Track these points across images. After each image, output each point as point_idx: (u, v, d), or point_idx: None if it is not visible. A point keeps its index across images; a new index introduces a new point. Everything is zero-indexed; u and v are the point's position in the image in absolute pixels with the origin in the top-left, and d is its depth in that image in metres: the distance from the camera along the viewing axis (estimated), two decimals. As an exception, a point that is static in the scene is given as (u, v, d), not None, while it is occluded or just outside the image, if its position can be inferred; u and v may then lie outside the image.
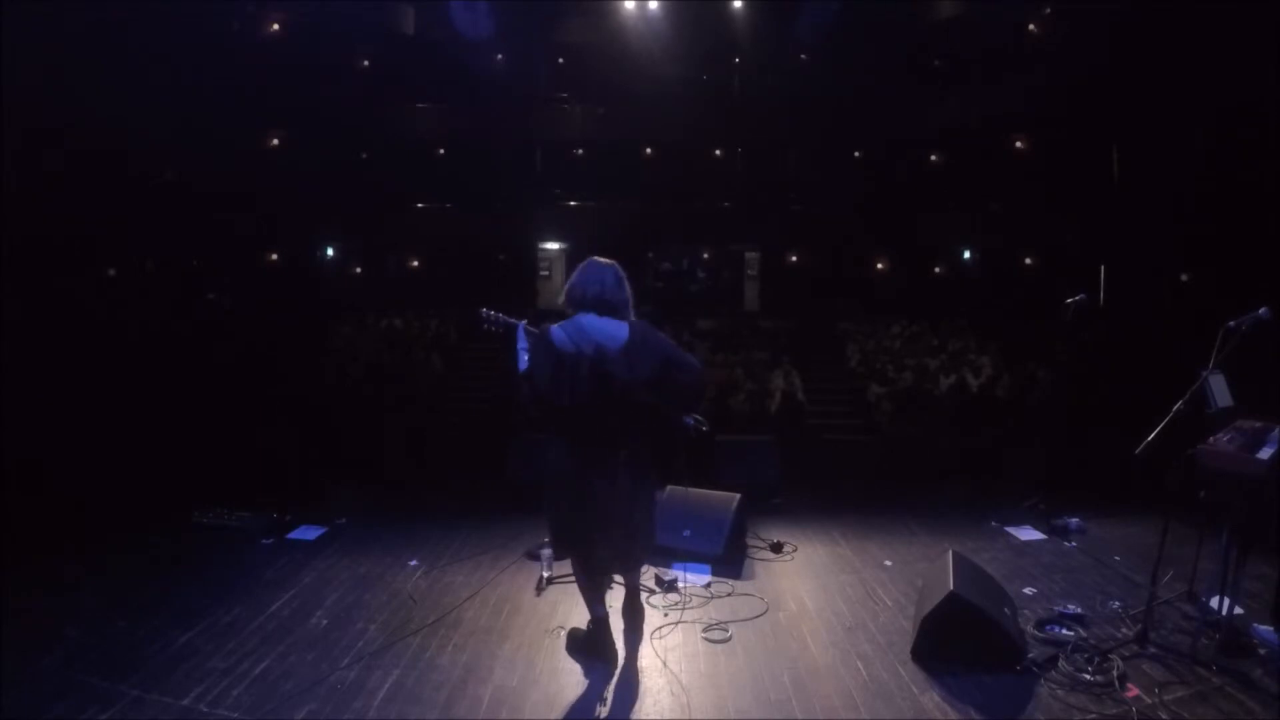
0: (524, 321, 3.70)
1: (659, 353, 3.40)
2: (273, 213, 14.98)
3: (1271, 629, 3.83)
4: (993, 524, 6.16)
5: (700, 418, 3.81)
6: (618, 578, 4.41)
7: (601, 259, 3.58)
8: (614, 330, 3.39)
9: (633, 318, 3.50)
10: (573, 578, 4.69)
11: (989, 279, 17.21)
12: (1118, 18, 11.89)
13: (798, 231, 18.42)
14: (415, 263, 19.21)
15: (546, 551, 4.88)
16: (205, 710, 3.33)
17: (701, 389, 3.64)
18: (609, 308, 3.44)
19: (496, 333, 3.81)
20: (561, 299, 3.54)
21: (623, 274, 3.54)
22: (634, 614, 3.82)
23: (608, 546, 3.52)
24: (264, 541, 5.68)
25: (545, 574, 4.79)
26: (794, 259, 18.94)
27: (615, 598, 4.18)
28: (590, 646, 3.79)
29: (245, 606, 4.42)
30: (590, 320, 3.41)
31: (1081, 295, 6.26)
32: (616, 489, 3.42)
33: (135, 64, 10.35)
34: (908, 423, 11.14)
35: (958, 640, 3.62)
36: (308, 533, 5.87)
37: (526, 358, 3.52)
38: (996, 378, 11.70)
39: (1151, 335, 10.45)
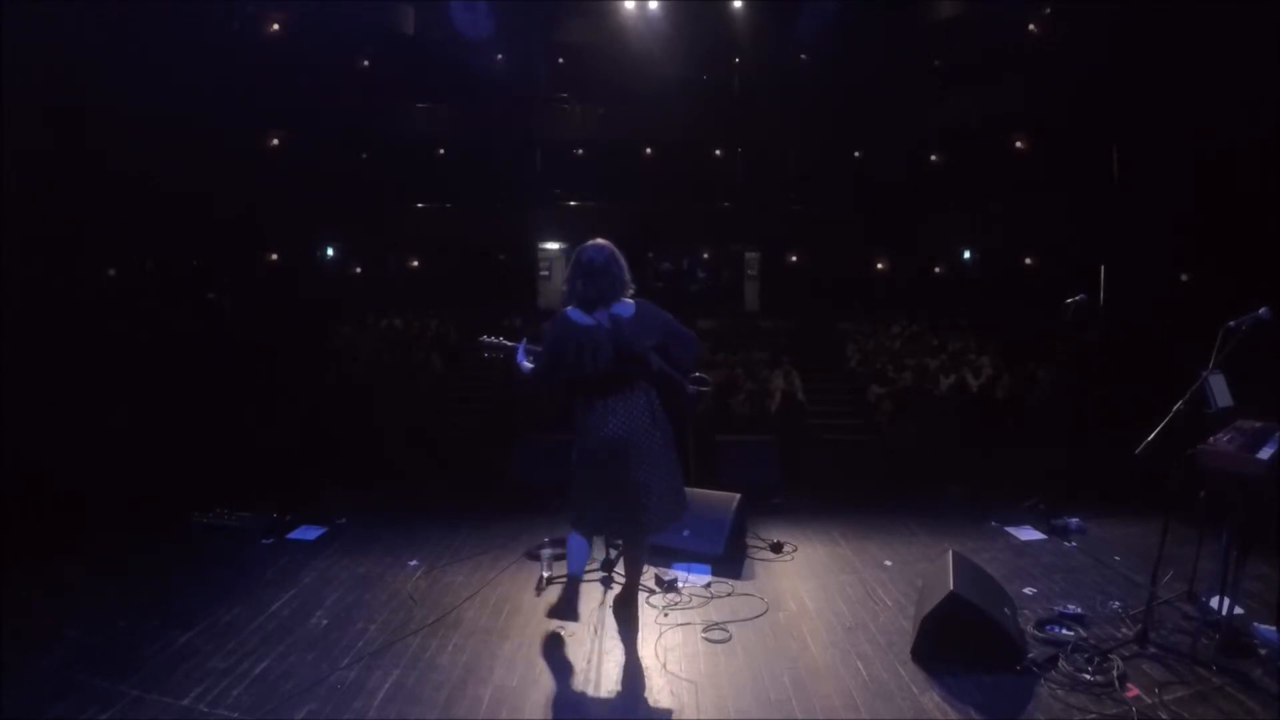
0: (524, 341, 4.04)
1: (661, 325, 3.85)
2: (273, 213, 14.97)
3: (1273, 628, 3.82)
4: (993, 524, 6.15)
5: (704, 375, 4.17)
6: (619, 576, 4.43)
7: (595, 244, 3.79)
8: (621, 307, 3.77)
9: (632, 289, 3.81)
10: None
11: (989, 279, 17.21)
12: (1118, 18, 11.88)
13: (798, 231, 18.43)
14: (415, 263, 19.22)
15: (546, 551, 4.89)
16: (205, 710, 3.33)
17: (698, 357, 4.13)
18: (611, 298, 3.73)
19: (498, 358, 4.15)
20: (564, 289, 3.83)
21: (614, 251, 3.78)
22: (628, 611, 4.04)
23: (639, 499, 3.72)
24: (264, 541, 5.67)
25: (545, 574, 4.78)
26: (794, 259, 18.96)
27: (612, 598, 4.22)
28: (559, 604, 4.01)
29: (245, 606, 4.42)
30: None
31: (1081, 295, 6.25)
32: (637, 429, 3.71)
33: (135, 64, 10.34)
34: (908, 423, 11.14)
35: (958, 640, 3.62)
36: (308, 533, 5.86)
37: (529, 364, 3.89)
38: (996, 378, 11.71)
39: (1151, 335, 10.43)
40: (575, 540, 4.01)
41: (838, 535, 5.93)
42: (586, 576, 4.70)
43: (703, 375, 4.12)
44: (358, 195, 17.03)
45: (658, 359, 3.84)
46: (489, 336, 4.22)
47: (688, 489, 5.47)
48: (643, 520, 3.79)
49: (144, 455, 7.42)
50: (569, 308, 3.75)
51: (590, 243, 3.80)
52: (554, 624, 4.11)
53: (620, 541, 4.38)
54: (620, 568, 4.49)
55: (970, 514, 6.52)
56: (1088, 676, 3.50)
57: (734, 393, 10.90)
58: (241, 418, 9.48)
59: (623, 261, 3.79)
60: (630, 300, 3.79)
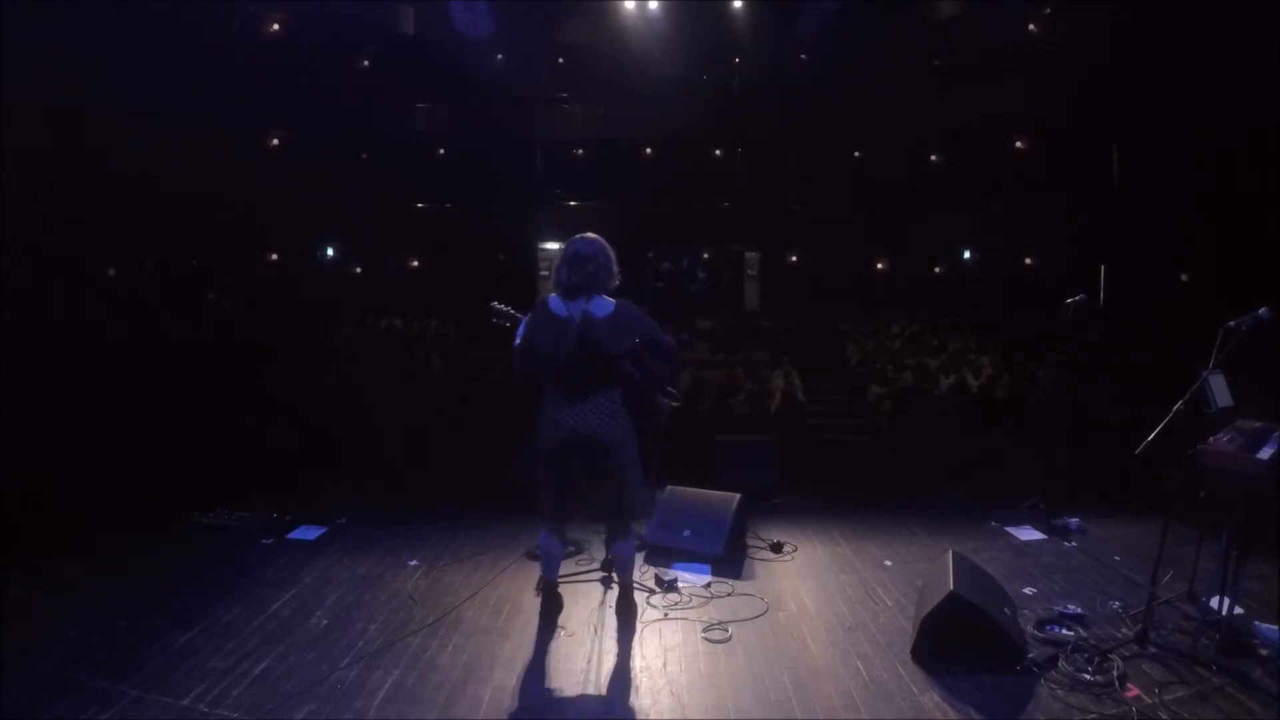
0: (529, 316, 4.01)
1: (638, 330, 3.79)
2: (273, 213, 14.97)
3: (1273, 628, 3.82)
4: (993, 524, 6.16)
5: (674, 390, 4.15)
6: (615, 577, 4.43)
7: (585, 237, 3.85)
8: (600, 304, 3.76)
9: (616, 283, 3.82)
10: (573, 577, 4.75)
11: (989, 279, 17.20)
12: (1118, 18, 11.89)
13: (798, 231, 18.42)
14: (415, 263, 19.21)
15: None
16: (205, 710, 3.33)
17: (674, 369, 4.10)
18: (594, 289, 3.75)
19: (505, 326, 4.20)
20: (551, 280, 3.91)
21: (604, 246, 3.82)
22: (627, 611, 4.08)
23: (593, 488, 3.82)
24: (264, 541, 5.67)
25: (545, 574, 4.78)
26: (794, 259, 18.94)
27: (613, 598, 4.21)
28: (541, 611, 4.11)
29: (245, 606, 4.42)
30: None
31: (1081, 295, 6.25)
32: (596, 425, 3.72)
33: (135, 64, 10.34)
34: (908, 423, 11.13)
35: (958, 640, 3.62)
36: (308, 533, 5.86)
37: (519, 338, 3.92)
38: (996, 378, 11.70)
39: (1151, 335, 10.44)
40: (547, 545, 4.04)
41: (838, 535, 5.93)
42: (584, 577, 4.73)
43: (673, 390, 4.13)
44: (358, 195, 17.03)
45: (628, 365, 3.77)
46: (500, 304, 4.31)
47: (688, 489, 5.55)
48: (623, 503, 3.86)
49: (144, 455, 7.42)
50: (551, 295, 3.82)
51: (581, 235, 3.85)
52: (554, 624, 4.11)
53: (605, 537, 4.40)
54: None
55: (970, 514, 6.53)
56: (1088, 676, 3.50)
57: (734, 393, 10.90)
58: (241, 418, 9.47)
59: (612, 255, 3.81)
60: (611, 300, 3.77)
